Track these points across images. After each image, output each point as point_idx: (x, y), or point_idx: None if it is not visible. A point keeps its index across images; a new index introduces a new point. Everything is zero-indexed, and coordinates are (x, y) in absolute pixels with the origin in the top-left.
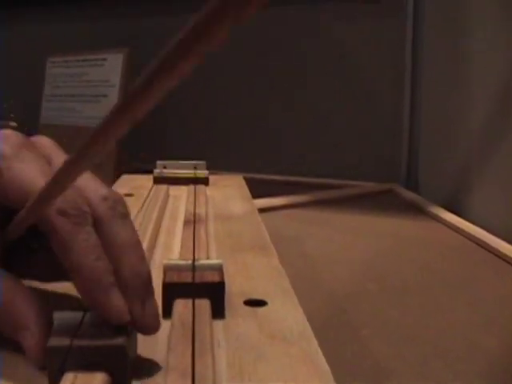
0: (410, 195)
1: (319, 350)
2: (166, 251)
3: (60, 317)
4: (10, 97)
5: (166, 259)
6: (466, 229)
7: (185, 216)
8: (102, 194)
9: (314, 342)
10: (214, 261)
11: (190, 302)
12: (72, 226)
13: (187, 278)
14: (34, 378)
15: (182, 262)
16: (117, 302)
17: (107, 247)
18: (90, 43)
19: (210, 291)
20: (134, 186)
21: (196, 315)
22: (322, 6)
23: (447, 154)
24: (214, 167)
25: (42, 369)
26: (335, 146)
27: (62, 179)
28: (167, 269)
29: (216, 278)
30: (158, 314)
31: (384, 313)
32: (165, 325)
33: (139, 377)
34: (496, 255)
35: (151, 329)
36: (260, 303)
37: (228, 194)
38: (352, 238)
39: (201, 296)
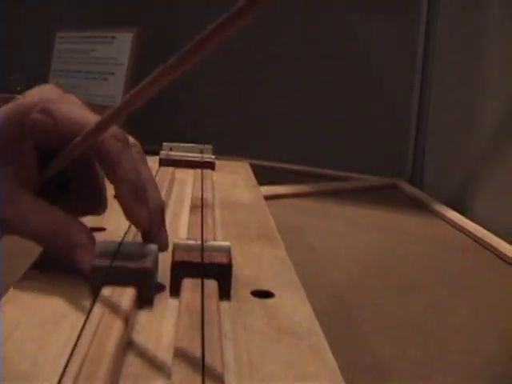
0: (414, 191)
1: (327, 346)
2: (173, 233)
3: (102, 243)
4: (18, 70)
5: (175, 238)
6: (469, 228)
7: (191, 201)
8: (132, 141)
9: (323, 338)
10: (222, 242)
11: (198, 282)
12: (121, 147)
13: (196, 257)
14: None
15: (192, 242)
16: (145, 214)
17: None
18: (100, 21)
19: (218, 272)
20: None
21: (204, 301)
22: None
23: (454, 151)
24: (218, 152)
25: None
26: (342, 138)
27: (113, 117)
28: (177, 248)
29: (224, 260)
30: (167, 238)
31: (385, 309)
32: (173, 305)
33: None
34: (498, 256)
35: (164, 246)
36: (267, 295)
37: (235, 180)
38: (355, 231)
39: (208, 276)
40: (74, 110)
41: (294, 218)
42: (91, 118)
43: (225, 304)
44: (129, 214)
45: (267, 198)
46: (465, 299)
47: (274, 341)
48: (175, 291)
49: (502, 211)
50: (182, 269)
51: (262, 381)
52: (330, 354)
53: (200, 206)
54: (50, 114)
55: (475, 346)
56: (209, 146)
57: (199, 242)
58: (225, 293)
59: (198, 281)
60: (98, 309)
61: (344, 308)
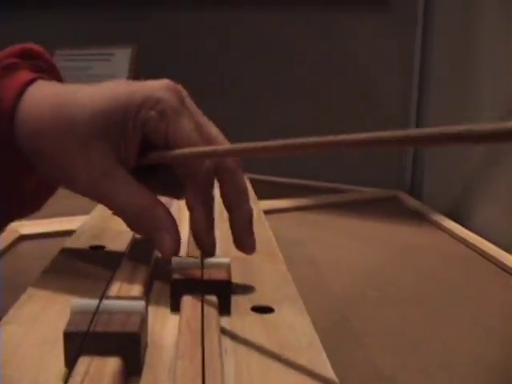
0: (414, 203)
1: (327, 361)
2: None
3: (77, 303)
4: None
5: (175, 256)
6: (469, 239)
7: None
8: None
9: (323, 353)
10: (221, 259)
11: (198, 298)
12: (204, 175)
13: (196, 274)
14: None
15: (191, 259)
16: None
17: None
18: (98, 38)
19: (218, 288)
20: None
21: (204, 317)
22: (332, 11)
23: (452, 162)
24: None
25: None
26: (341, 152)
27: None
28: (176, 265)
29: (224, 276)
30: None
31: (386, 321)
32: (174, 320)
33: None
34: (498, 266)
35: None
36: (267, 310)
37: None
38: (355, 243)
39: (208, 293)
40: (190, 128)
41: (294, 231)
42: (201, 143)
43: (225, 319)
44: (242, 242)
45: (267, 212)
46: (466, 310)
47: (274, 356)
48: (175, 308)
49: (501, 221)
50: (182, 286)
51: None
52: (329, 369)
53: None
54: (166, 121)
55: (477, 356)
56: None
57: (199, 260)
58: (225, 308)
59: (198, 297)
60: None
61: (345, 320)
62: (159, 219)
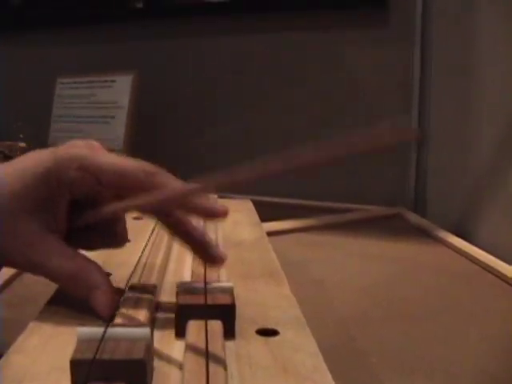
0: (417, 219)
1: (333, 383)
2: (177, 276)
3: (83, 331)
4: (19, 118)
5: (178, 282)
6: (474, 254)
7: None
8: None
9: (328, 375)
10: (225, 284)
11: (202, 323)
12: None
13: (200, 300)
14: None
15: (195, 285)
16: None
17: None
18: (100, 65)
19: (222, 313)
20: None
21: (209, 341)
22: (330, 30)
23: (455, 178)
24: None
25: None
26: (342, 170)
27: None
28: (180, 291)
29: (228, 301)
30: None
31: (393, 340)
32: (179, 346)
33: None
34: (504, 281)
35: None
36: (272, 332)
37: (237, 219)
38: (360, 262)
39: (213, 317)
40: (111, 158)
41: (298, 252)
42: (129, 163)
43: (230, 343)
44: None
45: (270, 233)
46: (472, 326)
47: (280, 379)
48: (181, 333)
49: (506, 235)
50: (187, 311)
51: None
52: None
53: None
54: (87, 170)
55: (484, 373)
56: None
57: (202, 285)
58: (229, 332)
59: (203, 322)
60: None
61: (351, 340)
62: (92, 279)
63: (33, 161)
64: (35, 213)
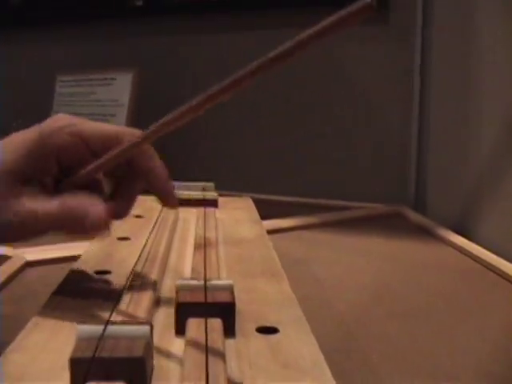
0: (418, 217)
1: (333, 381)
2: (177, 274)
3: (83, 329)
4: (19, 115)
5: (178, 279)
6: (476, 252)
7: (195, 240)
8: None
9: (328, 373)
10: (224, 281)
11: (202, 321)
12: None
13: (200, 297)
14: None
15: (195, 282)
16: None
17: None
18: (100, 63)
19: (222, 311)
20: (145, 208)
21: (209, 339)
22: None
23: (456, 175)
24: (220, 187)
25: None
26: (343, 168)
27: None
28: (180, 289)
29: (227, 298)
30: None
31: (393, 338)
32: (179, 343)
33: None
34: (506, 279)
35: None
36: (272, 330)
37: (237, 216)
38: (360, 260)
39: (212, 315)
40: (98, 125)
41: (298, 250)
42: (115, 128)
43: (230, 341)
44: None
45: (270, 231)
46: (474, 325)
47: (279, 377)
48: (180, 331)
49: (506, 233)
50: (187, 309)
51: None
52: None
53: (203, 245)
54: (78, 135)
55: (486, 372)
56: (211, 184)
57: (202, 282)
58: (229, 330)
59: (203, 320)
60: None
61: (351, 339)
62: (84, 203)
63: (21, 134)
64: (25, 184)
